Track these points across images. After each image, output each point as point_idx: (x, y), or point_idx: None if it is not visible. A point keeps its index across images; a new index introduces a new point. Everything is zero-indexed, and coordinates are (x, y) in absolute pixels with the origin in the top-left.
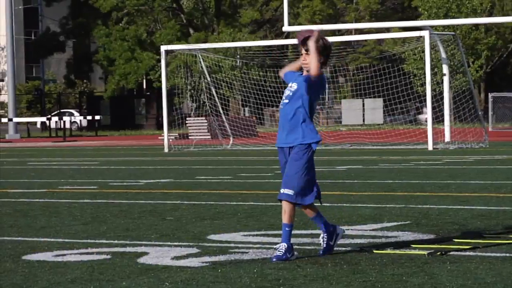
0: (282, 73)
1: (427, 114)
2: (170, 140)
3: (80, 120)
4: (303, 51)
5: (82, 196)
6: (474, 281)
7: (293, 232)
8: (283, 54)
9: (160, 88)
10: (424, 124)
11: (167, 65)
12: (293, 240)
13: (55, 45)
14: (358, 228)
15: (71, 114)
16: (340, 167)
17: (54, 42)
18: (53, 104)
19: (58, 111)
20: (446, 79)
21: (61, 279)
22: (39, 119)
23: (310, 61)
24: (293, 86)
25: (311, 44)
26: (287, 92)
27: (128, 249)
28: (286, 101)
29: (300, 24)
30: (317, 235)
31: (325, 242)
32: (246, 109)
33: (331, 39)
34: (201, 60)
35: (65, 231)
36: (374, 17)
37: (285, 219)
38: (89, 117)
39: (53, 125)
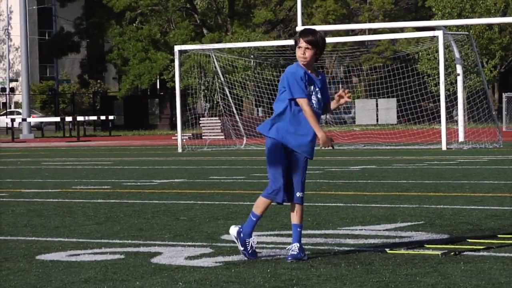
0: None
1: (445, 113)
2: (184, 140)
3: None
4: (303, 44)
5: (95, 196)
6: (487, 281)
7: (307, 232)
8: None
9: (174, 88)
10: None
11: (180, 65)
12: (306, 240)
13: (69, 45)
14: (371, 228)
15: (19, 114)
16: (354, 167)
17: (68, 42)
18: (67, 104)
19: (6, 111)
20: (460, 79)
21: (75, 279)
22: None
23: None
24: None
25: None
26: (314, 99)
27: (141, 249)
28: (319, 111)
29: (313, 24)
30: (331, 235)
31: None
32: (260, 109)
33: (344, 39)
34: (215, 60)
35: (79, 231)
36: (388, 17)
37: (297, 220)
38: (103, 117)
39: (3, 125)
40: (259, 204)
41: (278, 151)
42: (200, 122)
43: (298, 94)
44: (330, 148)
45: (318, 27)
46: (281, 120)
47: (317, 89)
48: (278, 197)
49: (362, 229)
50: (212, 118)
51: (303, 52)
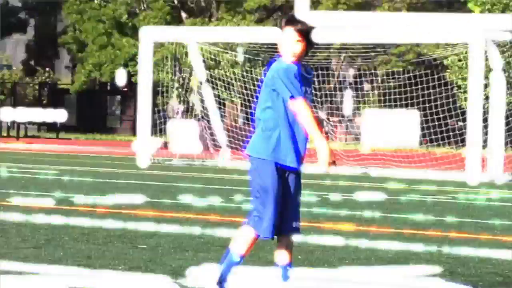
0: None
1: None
2: (152, 151)
3: None
4: (293, 35)
5: (35, 213)
6: None
7: (296, 273)
8: None
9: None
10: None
11: (146, 51)
12: (295, 284)
13: (14, 23)
14: (376, 273)
15: None
16: (359, 195)
17: (12, 19)
18: (6, 95)
19: None
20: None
21: None
22: None
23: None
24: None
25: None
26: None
27: (88, 281)
28: None
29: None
30: (326, 279)
31: None
32: (242, 116)
33: (356, 36)
34: (195, 51)
35: (11, 255)
36: (412, 11)
37: (289, 258)
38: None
39: None
40: (244, 240)
41: (272, 174)
42: (167, 127)
43: (297, 93)
44: (332, 167)
45: (324, 14)
46: (273, 134)
47: (309, 90)
48: (269, 231)
49: (364, 273)
50: (185, 121)
51: (292, 46)
